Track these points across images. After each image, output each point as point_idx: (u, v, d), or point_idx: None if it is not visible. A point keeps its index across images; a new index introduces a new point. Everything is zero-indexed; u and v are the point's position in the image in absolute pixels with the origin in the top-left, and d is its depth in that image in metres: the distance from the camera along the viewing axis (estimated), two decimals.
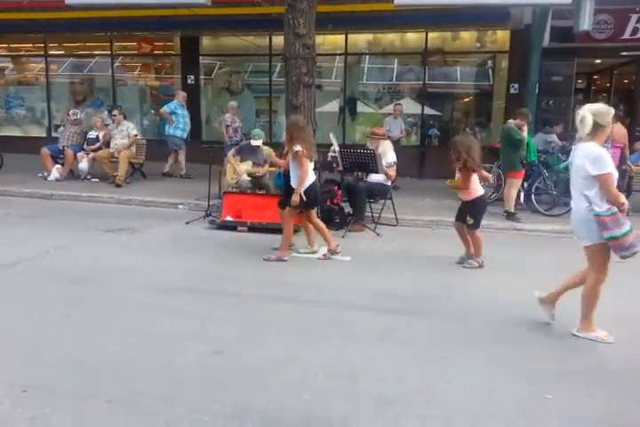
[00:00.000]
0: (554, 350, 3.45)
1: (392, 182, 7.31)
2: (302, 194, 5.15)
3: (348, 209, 6.97)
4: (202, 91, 12.76)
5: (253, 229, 6.42)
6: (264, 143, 7.74)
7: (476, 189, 5.19)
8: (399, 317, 3.94)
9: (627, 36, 9.96)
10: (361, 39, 11.95)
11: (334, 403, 2.71)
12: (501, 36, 11.17)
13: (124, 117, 9.77)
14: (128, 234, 6.20)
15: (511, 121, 7.57)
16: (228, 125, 10.18)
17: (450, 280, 4.85)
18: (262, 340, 3.47)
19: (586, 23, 7.56)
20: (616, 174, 3.43)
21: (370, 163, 6.54)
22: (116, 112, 9.74)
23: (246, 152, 7.58)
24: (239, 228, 6.51)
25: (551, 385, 2.96)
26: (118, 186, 8.89)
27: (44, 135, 13.52)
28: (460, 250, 5.53)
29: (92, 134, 9.79)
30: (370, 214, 7.03)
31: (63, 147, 9.61)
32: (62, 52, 13.80)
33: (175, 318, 3.79)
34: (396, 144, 9.67)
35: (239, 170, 7.41)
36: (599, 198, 3.41)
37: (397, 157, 7.05)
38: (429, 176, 10.68)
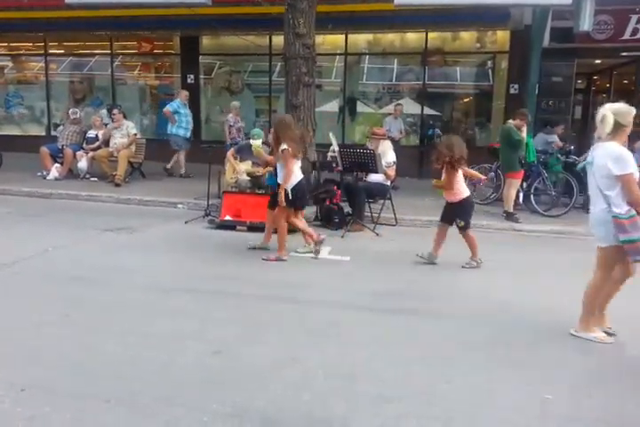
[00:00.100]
0: (553, 350, 3.45)
1: (391, 182, 7.31)
2: (289, 192, 5.12)
3: (347, 209, 6.97)
4: (202, 90, 12.76)
5: (253, 228, 6.42)
6: (264, 143, 7.73)
7: (462, 190, 5.16)
8: (398, 317, 3.94)
9: (627, 36, 9.97)
10: (361, 39, 11.96)
11: (334, 403, 2.71)
12: (501, 37, 11.18)
13: (124, 117, 9.76)
14: (127, 233, 6.19)
15: (511, 121, 7.58)
16: (230, 126, 10.19)
17: (449, 280, 4.85)
18: (262, 340, 3.46)
19: (586, 24, 7.57)
20: (637, 174, 3.37)
21: (369, 163, 6.54)
22: (115, 111, 9.73)
23: (246, 152, 7.57)
24: (238, 227, 6.51)
25: (551, 385, 2.96)
26: (117, 185, 8.88)
27: (44, 134, 13.52)
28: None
29: (91, 133, 9.79)
30: (369, 214, 7.03)
31: (62, 146, 9.60)
32: (62, 51, 13.79)
33: (174, 317, 3.79)
34: (396, 144, 9.66)
35: (238, 169, 7.41)
36: (620, 199, 3.36)
37: (397, 157, 7.05)
38: (429, 176, 10.66)
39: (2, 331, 3.50)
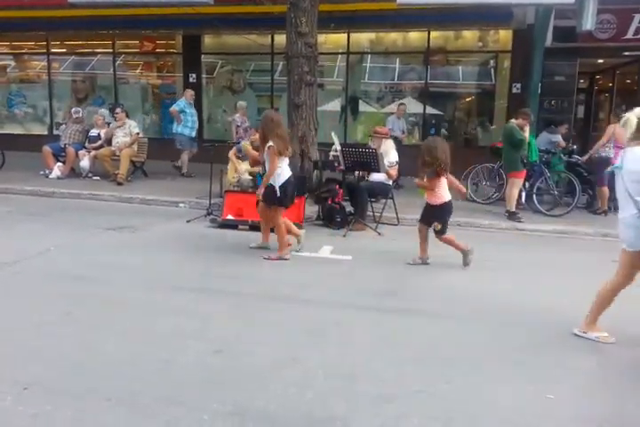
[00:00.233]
0: (554, 350, 3.45)
1: (394, 182, 7.31)
2: (277, 189, 5.09)
3: (349, 208, 6.96)
4: (204, 89, 12.76)
5: (254, 227, 6.40)
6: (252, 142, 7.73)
7: (444, 194, 5.13)
8: (399, 316, 3.93)
9: (629, 35, 9.94)
10: (363, 38, 11.95)
11: (334, 403, 2.71)
12: (504, 36, 11.16)
13: (127, 116, 9.77)
14: (129, 232, 6.20)
15: (513, 121, 7.56)
16: (238, 126, 10.19)
17: (450, 280, 4.85)
18: (262, 339, 3.46)
19: (589, 23, 7.55)
20: None
21: (371, 162, 6.54)
22: (118, 110, 9.74)
23: None
24: (240, 226, 6.51)
25: (552, 385, 2.96)
26: (119, 184, 8.90)
27: (46, 133, 13.54)
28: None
29: (93, 132, 9.80)
30: (371, 214, 7.02)
31: (65, 145, 9.62)
32: (64, 50, 13.81)
33: (175, 316, 3.79)
34: (398, 143, 9.66)
35: (240, 169, 7.42)
36: None
37: (399, 157, 7.04)
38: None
39: (3, 330, 3.51)
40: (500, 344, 3.51)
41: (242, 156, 7.58)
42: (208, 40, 12.64)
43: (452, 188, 5.25)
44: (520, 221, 7.16)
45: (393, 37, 11.85)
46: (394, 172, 6.85)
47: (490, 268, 5.25)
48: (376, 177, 6.89)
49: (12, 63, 14.40)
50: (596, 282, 4.92)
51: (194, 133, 10.20)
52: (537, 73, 9.31)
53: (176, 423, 2.50)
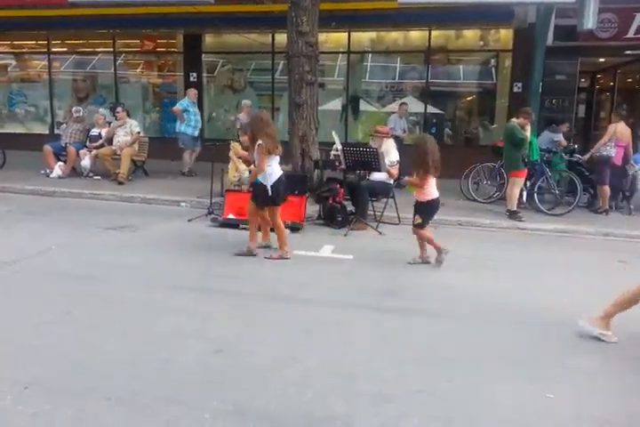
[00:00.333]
0: (555, 349, 3.44)
1: (395, 181, 7.30)
2: (269, 189, 5.07)
3: (350, 207, 6.96)
4: (204, 88, 12.75)
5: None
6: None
7: (431, 191, 5.16)
8: (400, 316, 3.93)
9: (631, 34, 9.93)
10: (364, 37, 11.93)
11: (335, 402, 2.70)
12: (505, 35, 11.14)
13: (128, 115, 9.77)
14: (130, 231, 6.20)
15: (514, 120, 7.55)
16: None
17: (451, 280, 4.84)
18: (263, 339, 3.46)
19: (590, 22, 7.53)
20: None
21: (372, 161, 6.53)
22: (119, 109, 9.73)
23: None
24: (241, 226, 6.50)
25: (552, 385, 2.96)
26: (120, 183, 8.90)
27: (47, 132, 13.55)
28: (463, 250, 5.54)
29: (94, 132, 9.80)
30: (372, 213, 7.02)
31: (66, 144, 9.62)
32: (65, 49, 13.81)
33: (176, 316, 3.79)
34: (400, 142, 9.65)
35: (241, 168, 7.41)
36: None
37: (400, 156, 7.03)
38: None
39: (3, 329, 3.51)
40: (500, 344, 3.51)
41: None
42: (209, 39, 12.63)
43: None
44: (521, 221, 7.15)
45: (394, 36, 11.83)
46: (395, 171, 6.84)
47: (490, 267, 5.25)
48: (377, 176, 6.88)
49: (13, 62, 14.39)
50: (597, 281, 4.93)
51: (197, 133, 10.18)
52: (538, 72, 9.30)
53: (176, 423, 2.50)
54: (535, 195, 7.93)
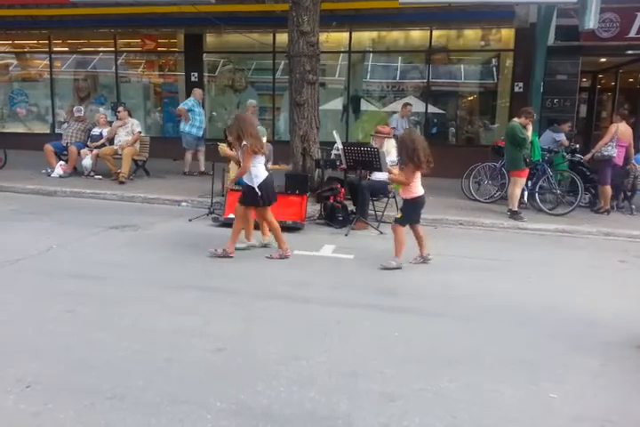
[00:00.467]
0: (557, 349, 3.44)
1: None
2: (257, 190, 5.06)
3: (351, 207, 6.96)
4: (205, 88, 12.75)
5: (256, 226, 6.40)
6: (267, 141, 7.74)
7: (415, 189, 5.09)
8: (402, 315, 3.93)
9: (632, 34, 9.92)
10: (365, 37, 11.93)
11: (338, 401, 2.70)
12: (506, 35, 11.13)
13: (129, 114, 9.77)
14: (131, 231, 6.20)
15: (516, 119, 7.54)
16: None
17: (453, 279, 4.84)
18: (265, 337, 3.46)
19: (591, 22, 7.52)
20: None
21: (373, 161, 6.53)
22: (120, 109, 9.73)
23: None
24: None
25: (554, 384, 2.96)
26: (121, 183, 8.90)
27: (48, 132, 13.55)
28: (464, 250, 5.54)
29: (95, 131, 9.80)
30: (373, 212, 7.02)
31: (67, 143, 9.62)
32: (66, 48, 13.80)
33: (177, 315, 3.79)
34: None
35: None
36: None
37: None
38: (432, 175, 10.64)
39: (6, 328, 3.51)
40: (502, 343, 3.51)
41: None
42: (210, 39, 12.63)
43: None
44: (522, 220, 7.15)
45: (395, 36, 11.82)
46: (396, 170, 6.83)
47: (491, 267, 5.25)
48: (378, 176, 6.87)
49: (14, 62, 14.39)
50: (599, 281, 4.94)
51: (201, 133, 10.18)
52: (539, 72, 9.29)
53: (179, 420, 2.50)
54: (536, 194, 7.93)
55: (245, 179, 5.20)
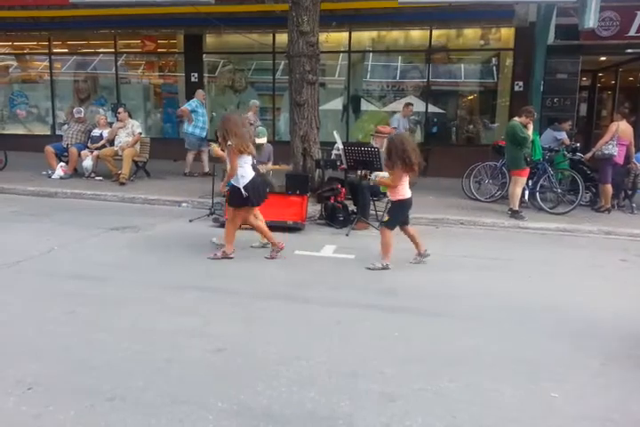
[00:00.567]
0: (558, 348, 3.44)
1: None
2: (242, 190, 5.01)
3: (351, 207, 6.96)
4: (205, 89, 12.75)
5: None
6: (268, 141, 7.76)
7: (402, 191, 5.02)
8: (403, 315, 3.93)
9: (632, 33, 9.91)
10: (365, 37, 11.92)
11: (339, 401, 2.70)
12: (506, 34, 11.13)
13: (129, 115, 9.78)
14: (132, 232, 6.20)
15: (516, 118, 7.53)
16: (251, 124, 10.19)
17: (453, 279, 4.84)
18: (265, 337, 3.46)
19: (591, 20, 7.51)
20: None
21: (374, 161, 6.53)
22: (121, 110, 9.74)
23: None
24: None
25: (555, 384, 2.95)
26: (122, 184, 8.90)
27: (49, 133, 13.56)
28: (466, 250, 5.53)
29: (95, 132, 9.80)
30: (374, 212, 7.01)
31: (67, 145, 9.63)
32: (66, 49, 13.81)
33: (178, 315, 3.79)
34: None
35: None
36: None
37: None
38: (433, 174, 10.65)
39: (6, 329, 3.52)
40: (502, 343, 3.50)
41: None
42: (210, 39, 12.63)
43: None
44: (523, 220, 7.14)
45: (394, 36, 11.82)
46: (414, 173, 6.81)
47: (492, 266, 5.24)
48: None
49: (14, 63, 14.41)
50: (599, 280, 4.93)
51: (204, 133, 10.19)
52: (539, 71, 9.28)
53: (180, 421, 2.50)
54: (537, 193, 7.92)
55: (232, 179, 5.14)
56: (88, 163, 9.41)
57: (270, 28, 11.36)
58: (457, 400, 2.75)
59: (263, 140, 7.46)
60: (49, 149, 9.60)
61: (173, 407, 2.61)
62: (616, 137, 7.74)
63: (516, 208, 7.33)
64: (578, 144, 8.81)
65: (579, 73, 10.69)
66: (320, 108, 8.41)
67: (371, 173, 6.94)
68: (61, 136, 10.10)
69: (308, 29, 7.59)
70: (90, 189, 8.48)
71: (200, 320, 3.71)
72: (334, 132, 7.68)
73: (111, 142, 9.57)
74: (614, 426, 2.59)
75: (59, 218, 6.85)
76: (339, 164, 7.37)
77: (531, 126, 7.46)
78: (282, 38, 10.44)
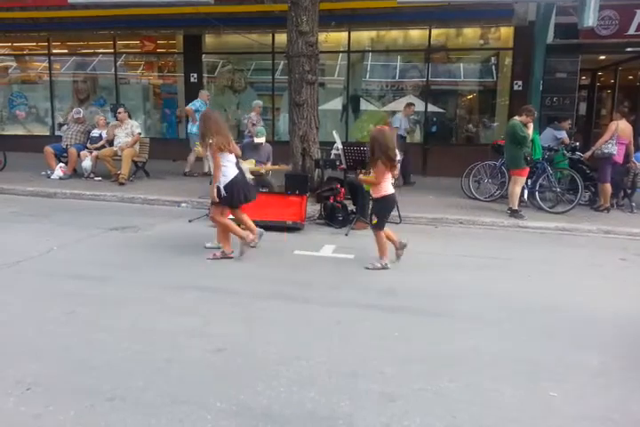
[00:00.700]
0: (557, 347, 3.44)
1: (395, 180, 7.28)
2: (221, 188, 4.97)
3: (351, 207, 6.96)
4: (205, 89, 12.75)
5: (256, 226, 6.40)
6: (267, 141, 7.75)
7: (385, 187, 5.00)
8: (402, 315, 3.92)
9: (632, 32, 9.91)
10: (364, 36, 11.92)
11: (338, 401, 2.70)
12: (505, 33, 11.13)
13: (129, 116, 9.77)
14: (132, 232, 6.20)
15: (516, 117, 7.53)
16: (253, 124, 10.20)
17: (453, 278, 4.83)
18: (265, 338, 3.46)
19: (590, 19, 7.50)
20: None
21: None
22: (121, 110, 9.74)
23: (249, 150, 7.58)
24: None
25: (555, 383, 2.95)
26: (121, 184, 8.91)
27: (48, 134, 13.57)
28: (465, 249, 5.53)
29: (95, 133, 9.81)
30: None
31: (66, 145, 9.63)
32: (65, 50, 13.82)
33: (177, 315, 3.79)
34: (403, 142, 9.65)
35: (242, 168, 7.40)
36: None
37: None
38: (433, 173, 10.66)
39: (6, 329, 3.52)
40: (502, 342, 3.50)
41: (242, 155, 7.57)
42: (209, 40, 12.63)
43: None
44: (522, 219, 7.14)
45: (394, 35, 11.82)
46: (395, 171, 6.81)
47: (492, 266, 5.24)
48: None
49: (14, 64, 14.41)
50: (599, 279, 4.93)
51: None
52: (538, 70, 9.28)
53: (179, 421, 2.50)
54: (536, 193, 7.92)
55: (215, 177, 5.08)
56: (87, 163, 9.41)
57: (269, 28, 11.35)
58: (457, 400, 2.75)
59: (262, 140, 7.45)
60: (48, 149, 9.60)
61: (173, 407, 2.61)
62: (615, 136, 7.74)
63: (516, 207, 7.33)
64: (577, 143, 8.81)
65: (578, 72, 10.70)
66: (319, 108, 8.41)
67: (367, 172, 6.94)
68: (61, 137, 10.11)
69: (308, 29, 7.59)
70: (89, 189, 8.48)
71: (200, 320, 3.71)
72: (334, 132, 7.67)
73: (110, 143, 9.57)
74: (614, 426, 2.59)
75: (58, 218, 6.85)
76: (338, 164, 7.36)
77: (531, 125, 7.46)
78: (281, 38, 10.44)
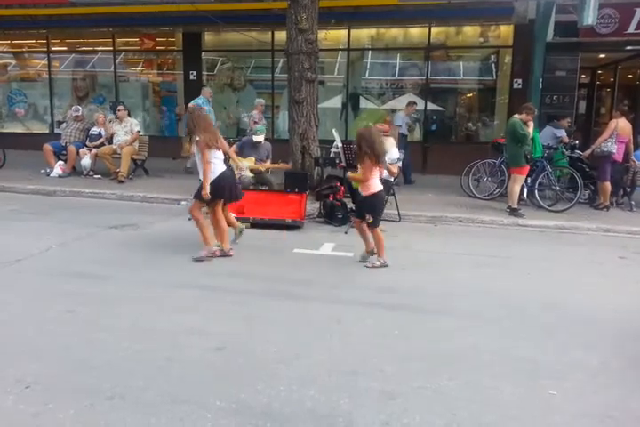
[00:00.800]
0: (557, 346, 3.44)
1: (395, 178, 7.29)
2: (206, 185, 4.94)
3: (350, 205, 6.95)
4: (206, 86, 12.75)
5: (256, 225, 6.42)
6: (266, 139, 7.75)
7: (374, 185, 4.98)
8: (401, 313, 3.93)
9: (631, 30, 9.89)
10: (364, 34, 11.92)
11: (338, 399, 2.70)
12: (505, 31, 11.12)
13: (129, 114, 9.76)
14: (131, 230, 6.20)
15: (516, 116, 7.52)
16: (255, 122, 10.20)
17: (453, 277, 4.84)
18: (265, 336, 3.46)
19: (590, 18, 7.51)
20: None
21: None
22: (120, 108, 9.73)
23: (248, 148, 7.58)
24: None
25: (554, 381, 2.95)
26: (121, 182, 8.90)
27: (47, 131, 13.55)
28: (465, 247, 5.52)
29: (94, 131, 9.79)
30: None
31: (66, 143, 9.62)
32: (65, 48, 13.80)
33: (177, 314, 3.79)
34: (405, 139, 9.65)
35: (241, 166, 7.40)
36: None
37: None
38: (433, 172, 10.66)
39: (6, 328, 3.52)
40: (501, 340, 3.51)
41: (242, 153, 7.57)
42: (208, 37, 12.62)
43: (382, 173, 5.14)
44: (522, 217, 7.14)
45: (393, 33, 11.81)
46: (395, 169, 6.82)
47: (491, 264, 5.24)
48: None
49: (13, 61, 14.39)
50: (598, 278, 4.94)
51: None
52: (538, 68, 9.28)
53: (180, 421, 2.50)
54: (536, 191, 7.92)
55: (200, 174, 5.07)
56: (86, 161, 9.41)
57: (269, 25, 11.34)
58: (456, 398, 2.75)
59: (261, 138, 7.45)
60: (47, 147, 9.59)
61: (173, 406, 2.61)
62: (615, 134, 7.74)
63: (515, 206, 7.34)
64: (577, 142, 8.81)
65: (578, 70, 10.70)
66: (319, 105, 8.41)
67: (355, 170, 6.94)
68: (60, 134, 10.09)
69: (307, 27, 7.58)
70: (88, 187, 8.48)
71: (200, 319, 3.71)
72: (333, 130, 7.67)
73: (110, 140, 9.55)
74: (614, 423, 2.60)
75: (58, 216, 6.85)
76: (337, 162, 7.37)
77: (531, 124, 7.46)
78: (281, 36, 10.43)
